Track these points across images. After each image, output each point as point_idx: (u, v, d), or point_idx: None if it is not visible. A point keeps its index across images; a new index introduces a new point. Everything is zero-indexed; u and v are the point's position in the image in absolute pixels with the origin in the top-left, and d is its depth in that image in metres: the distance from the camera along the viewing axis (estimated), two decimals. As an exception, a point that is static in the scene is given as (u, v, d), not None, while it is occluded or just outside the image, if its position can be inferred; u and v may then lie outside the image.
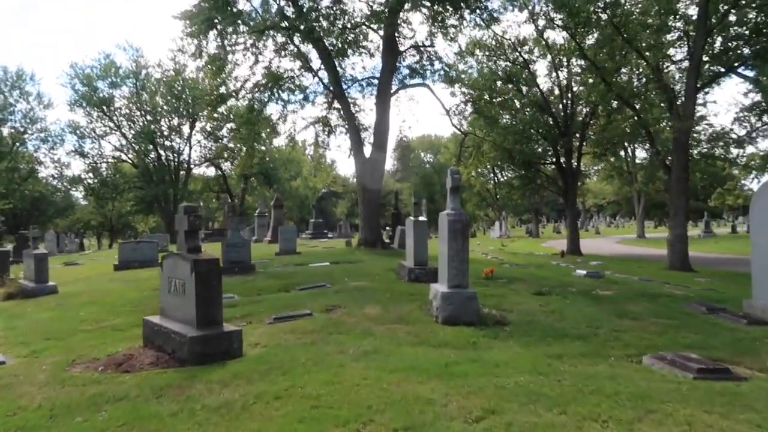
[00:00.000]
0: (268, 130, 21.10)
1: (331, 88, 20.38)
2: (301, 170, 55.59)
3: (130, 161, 52.81)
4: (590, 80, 22.57)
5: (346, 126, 22.09)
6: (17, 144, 46.42)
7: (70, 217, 61.56)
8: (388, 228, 27.40)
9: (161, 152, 52.12)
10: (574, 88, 26.38)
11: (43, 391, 4.66)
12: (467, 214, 6.98)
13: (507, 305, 7.72)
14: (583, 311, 7.49)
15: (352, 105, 21.20)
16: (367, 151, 19.95)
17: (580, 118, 26.91)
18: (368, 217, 19.02)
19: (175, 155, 53.22)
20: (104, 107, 48.83)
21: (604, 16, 20.54)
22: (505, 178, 37.18)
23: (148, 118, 50.94)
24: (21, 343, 7.11)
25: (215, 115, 20.91)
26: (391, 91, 19.84)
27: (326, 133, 23.27)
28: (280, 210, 28.56)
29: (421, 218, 10.57)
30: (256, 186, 60.06)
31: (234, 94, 19.36)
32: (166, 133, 52.03)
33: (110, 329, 7.61)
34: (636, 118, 20.74)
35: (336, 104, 22.62)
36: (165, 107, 50.83)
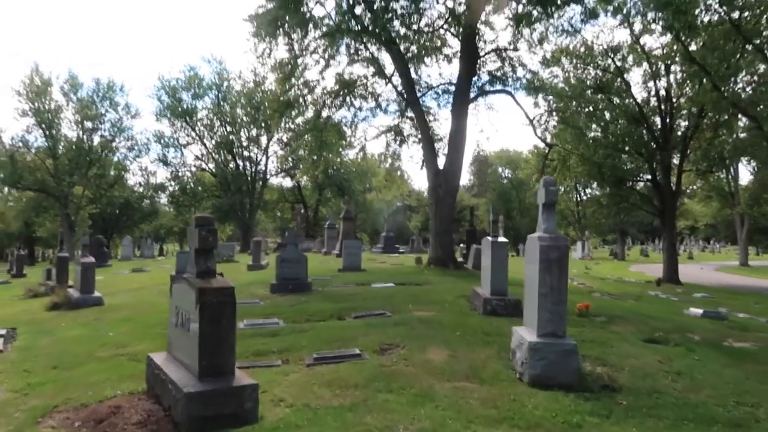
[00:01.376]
0: (337, 138, 19.99)
1: (405, 95, 19.04)
2: (374, 183, 54.66)
3: (209, 170, 54.05)
4: (696, 87, 19.92)
5: (419, 136, 20.70)
6: (106, 152, 48.46)
7: (154, 222, 63.91)
8: (461, 245, 25.61)
9: (239, 162, 53.00)
10: (674, 99, 23.65)
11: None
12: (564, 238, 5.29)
13: (613, 358, 5.91)
14: (722, 375, 5.54)
15: (426, 113, 19.78)
16: (441, 162, 18.41)
17: (680, 131, 24.11)
18: (440, 233, 17.41)
19: (253, 165, 53.97)
20: (187, 117, 50.28)
21: (715, 16, 18.06)
22: (589, 195, 34.34)
23: (228, 128, 52.00)
24: (24, 371, 6.12)
25: (282, 122, 19.84)
26: (469, 98, 18.22)
27: (398, 142, 21.99)
28: (350, 222, 27.46)
29: (501, 239, 8.88)
30: (331, 197, 59.88)
31: (302, 100, 18.41)
32: (244, 144, 52.90)
33: (127, 358, 6.49)
34: (758, 128, 17.92)
35: (409, 113, 21.29)
36: (244, 118, 51.70)
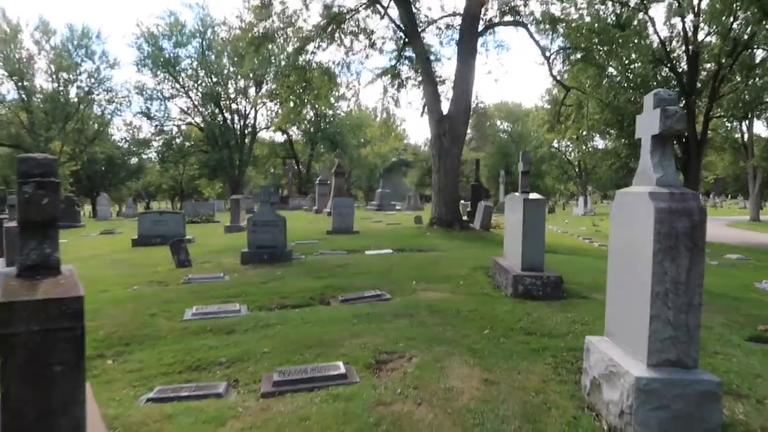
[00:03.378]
0: (326, 82, 17.44)
1: (404, 29, 16.48)
2: (368, 137, 51.99)
3: (195, 124, 51.28)
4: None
5: (419, 79, 18.27)
6: (84, 105, 45.45)
7: (142, 180, 61.42)
8: (463, 202, 23.43)
9: (227, 115, 50.23)
10: (701, 36, 21.08)
11: None
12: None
13: (738, 381, 3.82)
14: None
15: (427, 53, 17.27)
16: (445, 108, 16.06)
17: (706, 74, 21.66)
18: (444, 188, 15.22)
19: (241, 119, 51.24)
20: (170, 68, 47.16)
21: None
22: (591, 148, 31.96)
23: (214, 79, 48.99)
24: None
25: (257, 59, 17.24)
26: (478, 31, 15.71)
27: (396, 86, 19.52)
28: (342, 178, 25.21)
29: (534, 195, 6.68)
30: (323, 152, 57.31)
31: (282, 33, 15.81)
32: (232, 96, 50.04)
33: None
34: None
35: (408, 52, 18.77)
36: (231, 68, 48.62)
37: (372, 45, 18.73)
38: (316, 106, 52.82)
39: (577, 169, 65.94)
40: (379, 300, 6.42)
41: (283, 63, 17.42)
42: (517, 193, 7.08)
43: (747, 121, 40.00)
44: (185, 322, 5.78)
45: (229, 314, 5.98)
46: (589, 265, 9.66)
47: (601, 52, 18.42)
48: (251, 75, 46.78)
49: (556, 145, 69.16)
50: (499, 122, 76.82)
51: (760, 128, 54.13)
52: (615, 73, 21.12)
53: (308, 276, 8.11)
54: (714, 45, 20.85)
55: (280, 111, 25.63)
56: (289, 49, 16.25)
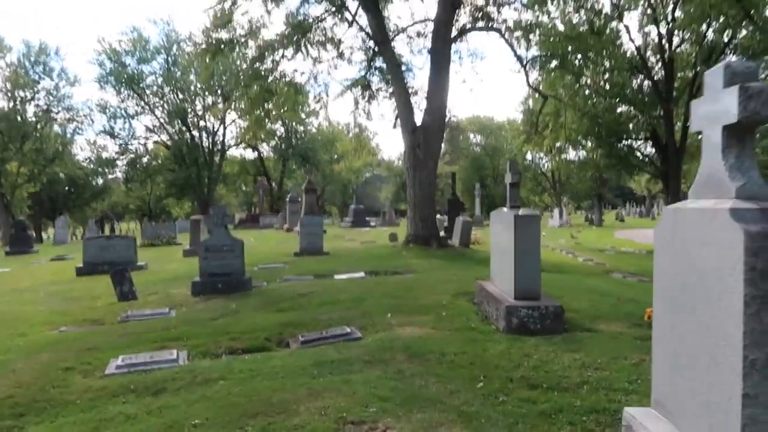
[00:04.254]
0: (292, 95, 16.42)
1: (373, 36, 15.61)
2: (340, 151, 50.94)
3: (162, 142, 49.71)
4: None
5: (391, 90, 17.44)
6: (42, 123, 43.49)
7: (107, 200, 59.30)
8: (439, 217, 22.52)
9: (194, 132, 48.85)
10: (675, 43, 20.75)
11: None
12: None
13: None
14: None
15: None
16: (418, 119, 15.20)
17: (682, 78, 21.31)
18: (420, 203, 14.28)
19: (210, 136, 49.92)
20: (133, 85, 45.65)
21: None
22: (566, 158, 31.51)
23: (180, 96, 47.66)
24: None
25: (214, 68, 16.16)
26: (451, 37, 14.92)
27: (366, 98, 18.64)
28: (313, 195, 24.17)
29: (526, 210, 5.75)
30: (295, 169, 56.11)
31: (242, 40, 14.78)
32: (200, 113, 48.73)
33: None
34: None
35: (378, 63, 17.95)
36: (198, 85, 47.31)
37: (340, 55, 17.85)
38: (286, 121, 52.08)
39: (551, 181, 66.05)
40: (348, 339, 5.37)
41: (243, 75, 16.22)
42: (505, 209, 6.15)
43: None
44: (105, 379, 4.64)
45: (163, 365, 4.86)
46: (580, 285, 8.77)
47: (576, 60, 17.88)
48: (218, 91, 45.62)
49: (529, 158, 69.29)
50: (472, 136, 76.76)
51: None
52: (591, 82, 20.59)
53: (267, 309, 7.02)
54: (689, 51, 20.53)
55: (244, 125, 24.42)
56: (250, 56, 15.16)
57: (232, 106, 20.60)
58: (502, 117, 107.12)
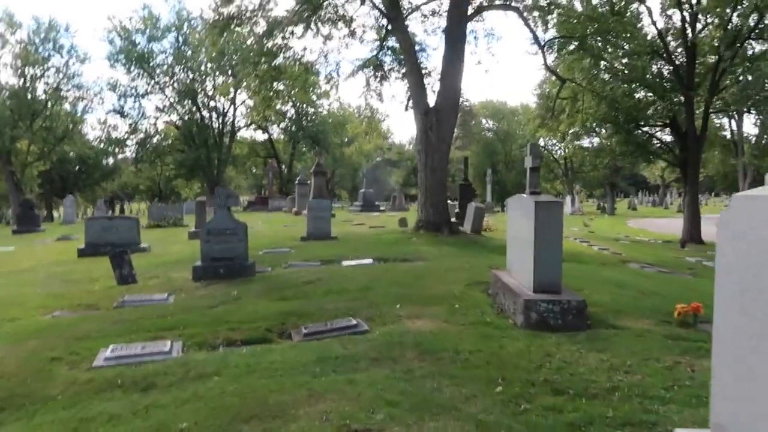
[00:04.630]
0: (303, 74, 15.94)
1: (386, 13, 15.08)
2: (350, 133, 50.26)
3: (171, 123, 49.40)
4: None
5: (404, 71, 16.96)
6: (52, 101, 43.25)
7: (117, 180, 59.31)
8: (450, 203, 22.02)
9: (204, 113, 48.49)
10: (698, 27, 19.98)
11: None
12: None
13: None
14: None
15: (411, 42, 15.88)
16: (431, 100, 14.70)
17: (704, 65, 20.57)
18: (432, 188, 13.85)
19: (220, 117, 49.55)
20: (144, 63, 45.24)
21: None
22: (579, 144, 30.78)
23: (191, 75, 47.23)
24: None
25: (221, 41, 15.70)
26: (467, 15, 14.36)
27: (378, 79, 18.16)
28: (322, 177, 23.78)
29: (547, 197, 5.34)
30: (305, 151, 55.66)
31: (250, 16, 14.29)
32: (210, 93, 48.31)
33: None
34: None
35: (390, 42, 17.42)
36: (209, 64, 46.84)
37: (352, 33, 17.32)
38: (297, 103, 51.55)
39: (563, 168, 65.17)
40: (354, 333, 5.01)
41: (251, 51, 15.74)
42: (524, 195, 5.73)
43: (736, 118, 39.37)
44: (93, 371, 4.32)
45: (156, 357, 4.53)
46: (598, 276, 8.34)
47: (596, 42, 17.24)
48: (229, 71, 45.04)
49: (542, 144, 68.37)
50: (484, 121, 75.82)
51: (748, 126, 53.62)
52: (609, 65, 19.91)
53: (270, 296, 6.67)
54: (713, 35, 19.74)
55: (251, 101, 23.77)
56: (259, 32, 14.68)
57: (241, 85, 20.03)
58: (516, 102, 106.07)
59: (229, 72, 45.87)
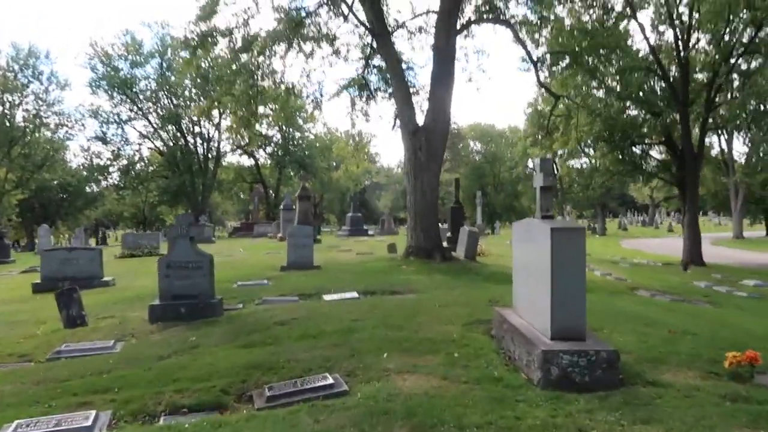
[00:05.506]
0: (275, 86, 15.08)
1: (371, 28, 14.32)
2: (335, 155, 49.32)
3: (155, 149, 48.40)
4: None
5: (390, 91, 16.19)
6: (30, 128, 42.10)
7: (101, 208, 57.96)
8: (442, 226, 21.09)
9: (189, 139, 47.58)
10: (692, 42, 19.50)
11: None
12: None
13: None
14: None
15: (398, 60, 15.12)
16: (420, 120, 13.89)
17: (696, 82, 20.09)
18: (421, 212, 12.94)
19: (204, 142, 48.64)
20: (126, 89, 44.39)
21: None
22: (571, 165, 30.17)
23: (175, 101, 46.42)
24: None
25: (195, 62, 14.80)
26: (456, 29, 13.63)
27: (364, 99, 17.36)
28: (307, 202, 22.81)
29: (564, 221, 4.39)
30: (292, 176, 54.76)
31: (226, 33, 13.43)
32: (195, 119, 47.43)
33: None
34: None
35: (376, 60, 16.69)
36: (193, 90, 46.08)
37: (336, 52, 16.55)
38: (283, 127, 50.80)
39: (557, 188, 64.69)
40: (329, 395, 3.99)
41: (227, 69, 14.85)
42: (535, 218, 4.80)
43: (726, 137, 39.07)
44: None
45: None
46: (612, 309, 7.40)
47: (590, 57, 16.61)
48: (213, 94, 44.19)
49: (531, 166, 67.99)
50: (472, 143, 75.54)
51: (737, 145, 53.59)
52: (603, 81, 19.29)
53: (234, 342, 5.64)
54: (707, 51, 19.26)
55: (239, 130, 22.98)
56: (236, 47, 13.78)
57: (214, 105, 19.14)
58: (503, 124, 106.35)
59: (213, 95, 44.96)
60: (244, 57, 13.65)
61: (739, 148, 45.19)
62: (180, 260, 6.91)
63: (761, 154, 37.34)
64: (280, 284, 9.67)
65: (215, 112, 46.43)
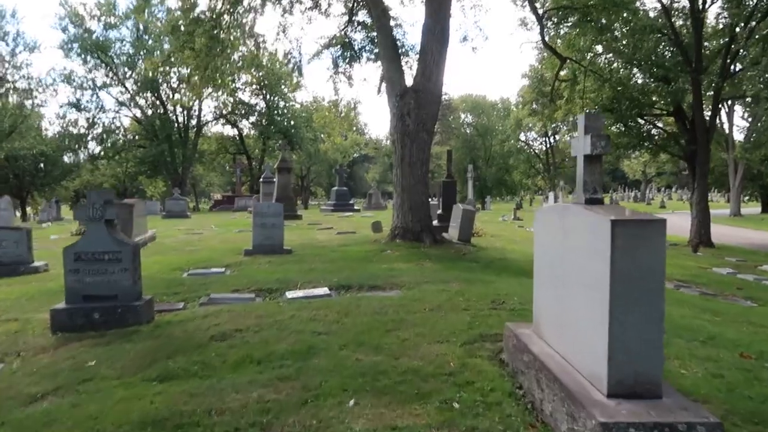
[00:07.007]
0: (245, 42, 13.27)
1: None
2: (316, 121, 47.34)
3: (133, 116, 46.11)
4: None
5: (376, 51, 14.48)
6: (-4, 93, 39.63)
7: (78, 179, 55.71)
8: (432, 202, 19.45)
9: (169, 106, 45.28)
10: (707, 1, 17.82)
11: None
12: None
13: None
14: None
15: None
16: (409, 81, 12.19)
17: (712, 47, 18.52)
18: (410, 187, 11.32)
19: (184, 110, 46.39)
20: (100, 53, 41.90)
21: None
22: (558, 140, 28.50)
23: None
24: None
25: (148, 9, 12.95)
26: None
27: (347, 60, 15.60)
28: (287, 175, 21.12)
29: (630, 212, 2.87)
30: (277, 147, 52.70)
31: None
32: (175, 85, 45.15)
33: None
34: None
35: (360, 16, 14.88)
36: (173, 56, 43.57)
37: (316, 5, 14.72)
38: (267, 96, 48.59)
39: (545, 164, 63.37)
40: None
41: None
42: (574, 204, 3.21)
43: (726, 110, 37.60)
44: None
45: None
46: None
47: (599, 14, 14.90)
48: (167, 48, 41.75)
49: (523, 139, 66.33)
50: (463, 115, 73.52)
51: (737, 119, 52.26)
52: (611, 43, 17.58)
53: (147, 371, 4.05)
54: (730, 11, 17.55)
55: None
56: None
57: (169, 60, 17.28)
58: (495, 96, 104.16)
59: (168, 50, 42.45)
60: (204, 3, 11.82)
61: (738, 123, 43.71)
62: (92, 250, 5.28)
63: (763, 129, 35.98)
64: (238, 274, 8.07)
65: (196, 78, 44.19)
